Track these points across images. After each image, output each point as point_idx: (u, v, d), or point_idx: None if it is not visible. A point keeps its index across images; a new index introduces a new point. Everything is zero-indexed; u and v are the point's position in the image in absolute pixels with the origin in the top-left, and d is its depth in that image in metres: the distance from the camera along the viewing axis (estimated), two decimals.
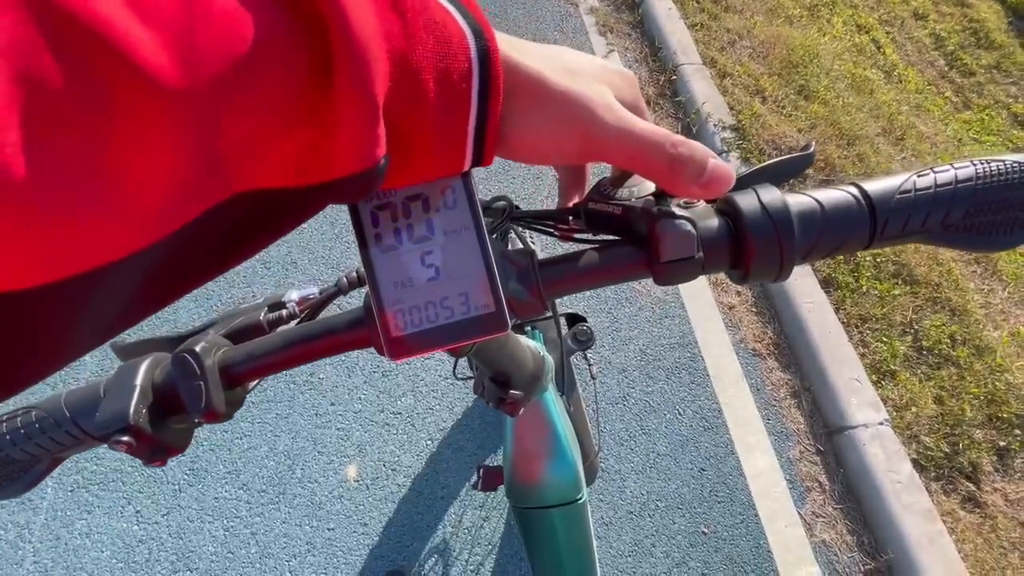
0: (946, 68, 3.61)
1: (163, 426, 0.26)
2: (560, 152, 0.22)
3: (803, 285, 1.66)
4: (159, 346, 0.30)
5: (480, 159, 0.21)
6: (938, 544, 1.26)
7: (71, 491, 1.25)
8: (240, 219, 0.17)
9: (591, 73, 0.23)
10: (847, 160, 2.07)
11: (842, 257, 1.76)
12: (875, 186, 0.24)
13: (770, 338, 1.62)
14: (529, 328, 0.74)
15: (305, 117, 0.16)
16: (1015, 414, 1.51)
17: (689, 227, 0.23)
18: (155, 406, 0.26)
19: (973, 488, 1.41)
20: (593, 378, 1.45)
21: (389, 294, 0.22)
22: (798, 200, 0.24)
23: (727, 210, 0.24)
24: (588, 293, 1.64)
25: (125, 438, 0.24)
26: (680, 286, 1.68)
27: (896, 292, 1.70)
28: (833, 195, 0.24)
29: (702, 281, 1.70)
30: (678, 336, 1.59)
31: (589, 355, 1.50)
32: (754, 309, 1.68)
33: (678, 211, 0.24)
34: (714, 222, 0.24)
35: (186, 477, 1.29)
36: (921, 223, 0.23)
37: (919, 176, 0.23)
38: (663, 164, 0.22)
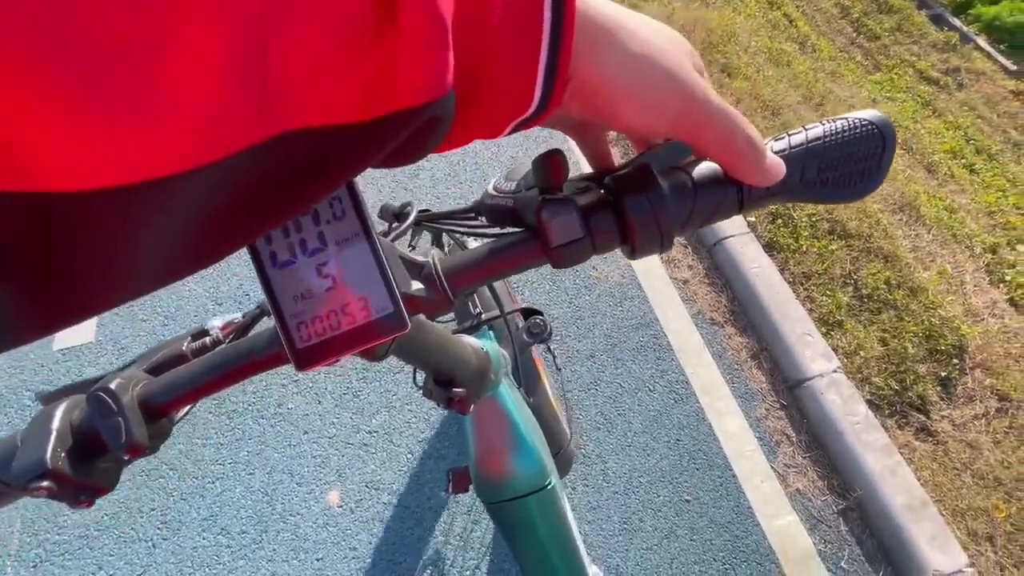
0: (854, 34, 3.86)
1: (88, 467, 0.26)
2: (657, 115, 0.21)
3: (748, 251, 1.75)
4: (79, 389, 0.30)
5: (549, 98, 0.19)
6: (899, 475, 1.35)
7: (34, 566, 1.18)
8: (295, 160, 0.16)
9: (672, 39, 0.22)
10: (773, 129, 2.18)
11: (781, 221, 1.86)
12: None
13: (724, 306, 1.69)
14: (486, 327, 0.76)
15: (369, 42, 0.14)
16: (951, 345, 1.63)
17: (572, 211, 0.24)
18: (77, 448, 0.26)
19: (924, 419, 1.51)
20: (559, 370, 1.47)
21: (290, 308, 0.23)
22: (671, 177, 0.25)
23: (609, 191, 0.26)
24: (548, 287, 1.67)
25: (44, 483, 0.24)
26: (634, 267, 1.73)
27: (833, 247, 1.81)
28: (702, 168, 0.26)
29: (655, 260, 1.76)
30: (639, 316, 1.64)
31: (555, 346, 1.53)
32: (706, 280, 1.75)
33: (562, 197, 0.25)
34: (596, 204, 0.25)
35: (159, 531, 1.24)
36: (781, 184, 0.25)
37: (776, 140, 0.26)
38: (742, 147, 0.22)
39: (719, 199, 0.25)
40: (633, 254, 0.25)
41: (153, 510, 1.26)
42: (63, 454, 0.25)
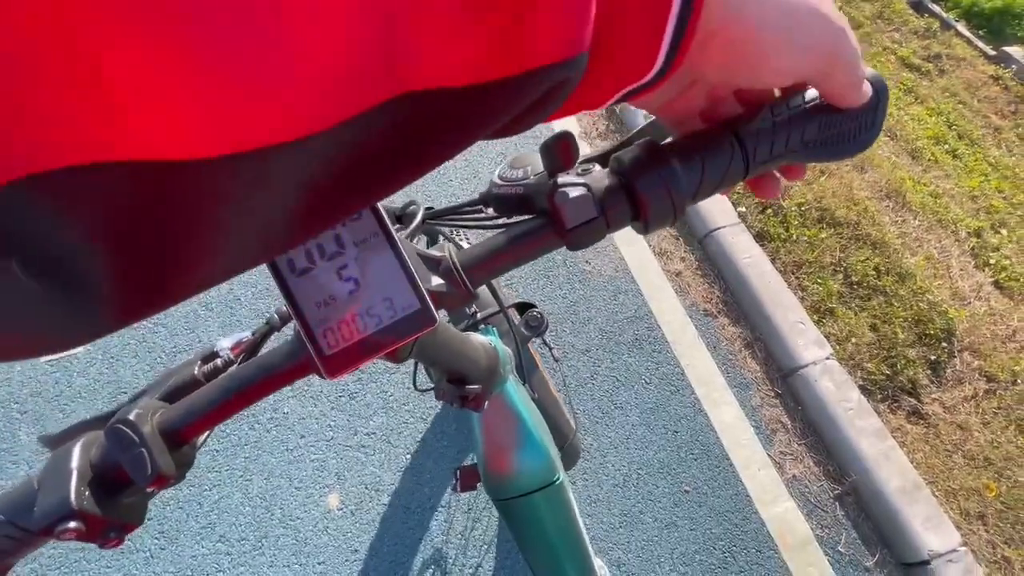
0: None
1: (113, 504, 0.25)
2: (805, 62, 0.19)
3: (739, 242, 1.76)
4: (90, 426, 0.29)
5: (672, 62, 0.18)
6: (892, 458, 1.37)
7: None
8: (411, 124, 0.14)
9: None
10: None
11: (771, 211, 1.87)
12: (741, 122, 0.26)
13: (717, 296, 1.71)
14: (483, 326, 0.75)
15: None
16: (940, 329, 1.65)
17: (584, 192, 0.24)
18: (99, 485, 0.25)
19: (915, 402, 1.53)
20: (556, 360, 1.48)
21: (314, 315, 0.22)
22: (677, 150, 0.26)
23: (619, 170, 0.26)
24: (542, 282, 1.67)
25: (72, 524, 0.23)
26: (627, 261, 1.73)
27: (823, 236, 1.82)
28: (704, 138, 0.26)
29: (647, 253, 1.76)
30: (633, 309, 1.64)
31: (551, 339, 1.53)
32: (699, 272, 1.76)
33: (573, 179, 0.25)
34: (608, 183, 0.25)
35: (156, 541, 1.22)
36: (784, 145, 0.26)
37: (775, 106, 0.26)
38: (859, 82, 0.22)
39: (726, 166, 0.26)
40: (646, 229, 0.26)
41: (150, 520, 1.24)
42: (87, 492, 0.24)
